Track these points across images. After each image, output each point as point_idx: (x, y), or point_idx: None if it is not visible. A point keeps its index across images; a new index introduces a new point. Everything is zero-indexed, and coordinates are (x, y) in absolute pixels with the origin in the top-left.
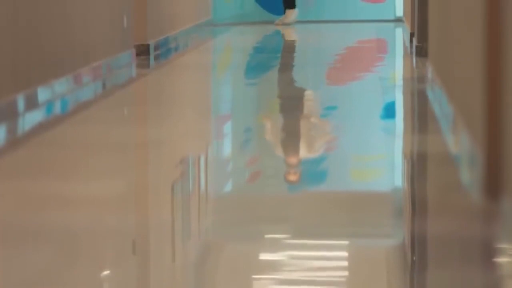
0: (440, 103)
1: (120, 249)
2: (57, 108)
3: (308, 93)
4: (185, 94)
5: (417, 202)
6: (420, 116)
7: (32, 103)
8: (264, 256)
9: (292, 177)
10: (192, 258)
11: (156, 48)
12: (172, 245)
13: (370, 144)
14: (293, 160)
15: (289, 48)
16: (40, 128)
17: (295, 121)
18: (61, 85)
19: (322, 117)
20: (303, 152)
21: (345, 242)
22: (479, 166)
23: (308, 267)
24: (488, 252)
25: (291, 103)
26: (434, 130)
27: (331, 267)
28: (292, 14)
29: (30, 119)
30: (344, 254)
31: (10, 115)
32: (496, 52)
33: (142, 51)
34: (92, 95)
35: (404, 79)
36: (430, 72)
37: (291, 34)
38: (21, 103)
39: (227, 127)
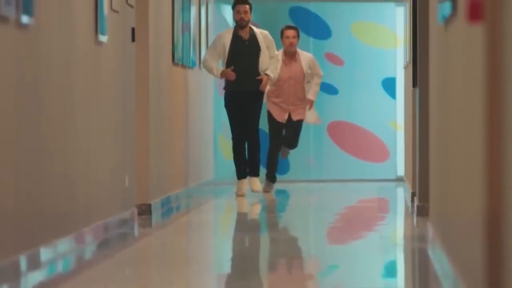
0: (440, 263)
1: None
2: (60, 268)
3: (309, 253)
4: (186, 254)
5: None
6: (421, 276)
7: (34, 263)
8: None
9: None
10: None
11: (158, 207)
12: None
13: None
14: None
15: (290, 207)
16: None
17: (293, 280)
18: (63, 245)
19: (323, 276)
20: None
21: None
22: None
23: None
24: None
25: (291, 263)
26: None
27: None
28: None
29: (33, 279)
30: None
31: (12, 275)
32: (497, 213)
33: (144, 210)
34: (94, 254)
35: (405, 238)
36: (431, 231)
37: (292, 193)
38: (23, 263)
39: (230, 287)
